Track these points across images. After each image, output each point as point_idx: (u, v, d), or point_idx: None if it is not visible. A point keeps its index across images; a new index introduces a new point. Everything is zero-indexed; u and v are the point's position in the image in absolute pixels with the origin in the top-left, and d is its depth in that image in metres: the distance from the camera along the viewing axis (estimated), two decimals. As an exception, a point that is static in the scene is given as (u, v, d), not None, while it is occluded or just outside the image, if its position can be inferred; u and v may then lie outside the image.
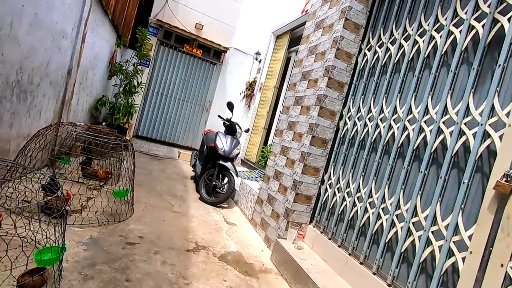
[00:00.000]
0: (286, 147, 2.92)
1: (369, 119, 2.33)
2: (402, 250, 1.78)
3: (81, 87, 3.93)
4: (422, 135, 1.86)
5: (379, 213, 2.01)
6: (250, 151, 6.47)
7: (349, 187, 2.34)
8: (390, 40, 2.32)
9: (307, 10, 5.30)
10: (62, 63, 3.10)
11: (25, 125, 2.59)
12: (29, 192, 2.06)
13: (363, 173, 2.24)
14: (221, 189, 3.82)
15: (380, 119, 2.21)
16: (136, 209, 2.87)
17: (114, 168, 3.37)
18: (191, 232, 2.72)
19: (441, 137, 1.74)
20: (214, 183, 3.75)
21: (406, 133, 1.97)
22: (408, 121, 1.99)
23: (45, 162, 3.07)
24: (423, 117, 1.88)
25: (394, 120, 2.10)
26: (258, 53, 7.04)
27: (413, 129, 1.92)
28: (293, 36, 6.21)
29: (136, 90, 5.42)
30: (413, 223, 1.77)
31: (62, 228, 1.47)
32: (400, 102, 2.10)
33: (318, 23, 2.95)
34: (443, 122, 1.75)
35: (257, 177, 4.86)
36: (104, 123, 4.66)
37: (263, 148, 5.99)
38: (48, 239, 1.58)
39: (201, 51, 6.91)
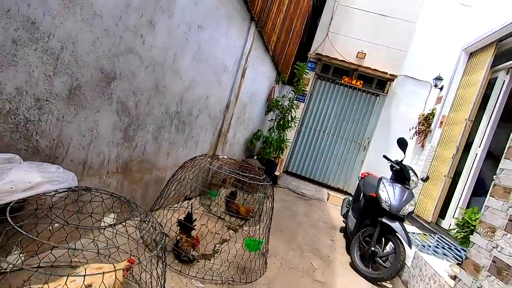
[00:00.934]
0: (524, 221, 1.59)
1: None
2: None
3: (239, 121, 4.03)
4: None
5: None
6: (424, 205, 4.82)
7: None
8: None
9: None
10: (221, 97, 3.17)
11: (181, 155, 2.66)
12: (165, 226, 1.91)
13: None
14: (384, 259, 2.71)
15: None
16: (269, 265, 2.30)
17: (257, 205, 3.05)
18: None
19: None
20: (373, 248, 2.70)
21: None
22: None
23: (197, 192, 3.11)
24: None
25: None
26: (439, 78, 5.47)
27: None
28: (500, 50, 4.39)
29: (290, 124, 5.24)
30: None
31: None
32: None
33: None
34: None
35: (437, 247, 3.32)
36: (255, 157, 4.65)
37: (447, 205, 4.30)
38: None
39: (361, 82, 6.13)
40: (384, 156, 3.18)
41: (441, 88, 5.48)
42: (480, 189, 4.50)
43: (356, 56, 6.06)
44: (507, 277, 1.58)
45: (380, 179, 3.02)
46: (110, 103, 1.63)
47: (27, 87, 1.17)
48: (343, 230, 3.88)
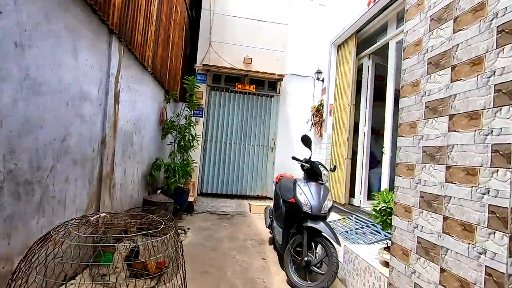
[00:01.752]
0: (434, 195, 1.58)
1: None
2: None
3: (126, 155, 3.31)
4: None
5: None
6: (335, 190, 5.09)
7: None
8: None
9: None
10: (90, 133, 2.46)
11: (37, 228, 1.86)
12: None
13: None
14: (319, 265, 2.54)
15: None
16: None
17: (170, 253, 2.46)
18: None
19: None
20: (306, 258, 2.50)
21: None
22: None
23: (80, 268, 2.30)
24: None
25: None
26: (319, 72, 5.95)
27: None
28: (360, 39, 5.01)
29: (192, 144, 4.75)
30: None
31: None
32: None
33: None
34: None
35: (357, 229, 3.44)
36: (159, 191, 3.98)
37: (354, 184, 4.62)
38: None
39: (254, 86, 6.16)
40: (293, 157, 3.07)
41: (322, 80, 5.97)
42: (373, 162, 5.05)
43: (244, 62, 6.05)
44: (436, 256, 1.53)
45: (295, 181, 2.88)
46: None
47: None
48: (272, 241, 3.65)
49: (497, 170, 1.24)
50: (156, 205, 3.44)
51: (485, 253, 1.26)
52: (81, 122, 2.32)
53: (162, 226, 1.75)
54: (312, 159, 2.99)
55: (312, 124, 6.11)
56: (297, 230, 2.72)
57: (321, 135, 5.81)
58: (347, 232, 3.46)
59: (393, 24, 4.20)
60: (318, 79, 6.03)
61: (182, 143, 4.71)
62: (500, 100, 1.25)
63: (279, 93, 6.33)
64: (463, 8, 1.50)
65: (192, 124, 4.82)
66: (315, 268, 2.50)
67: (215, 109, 6.16)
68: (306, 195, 2.68)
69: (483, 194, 1.29)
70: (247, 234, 4.11)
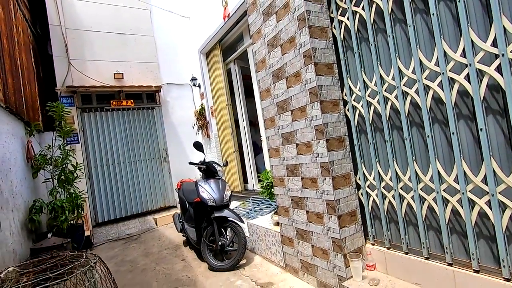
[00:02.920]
0: (293, 165, 2.31)
1: (386, 90, 1.83)
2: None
3: (-2, 206, 2.86)
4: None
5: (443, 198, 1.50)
6: (232, 181, 5.74)
7: (400, 180, 1.81)
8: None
9: (229, 14, 4.83)
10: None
11: None
12: None
13: (413, 157, 1.72)
14: (231, 245, 3.05)
15: (404, 84, 1.72)
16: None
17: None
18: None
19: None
20: (220, 243, 2.97)
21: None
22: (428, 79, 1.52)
23: None
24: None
25: (426, 78, 1.62)
26: (194, 79, 6.39)
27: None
28: (223, 47, 5.71)
29: (75, 174, 4.37)
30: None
31: None
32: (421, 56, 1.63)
33: (265, 10, 2.42)
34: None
35: (255, 208, 4.16)
36: (50, 234, 3.56)
37: (245, 172, 5.33)
38: None
39: (131, 100, 6.03)
40: (190, 163, 3.44)
41: (199, 86, 6.44)
42: (257, 149, 5.95)
43: (115, 78, 5.82)
44: (300, 205, 2.27)
45: (196, 183, 3.26)
46: None
47: None
48: (187, 243, 3.94)
49: (319, 141, 2.01)
50: (51, 249, 3.13)
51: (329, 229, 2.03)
52: None
53: (83, 259, 1.83)
54: (206, 160, 3.44)
55: (198, 127, 6.54)
56: (207, 223, 3.14)
57: (208, 136, 6.31)
58: (247, 212, 4.11)
59: (247, 35, 5.05)
60: (194, 85, 6.46)
61: (62, 176, 4.26)
62: (312, 98, 2.02)
63: (159, 103, 6.42)
64: (284, 39, 2.23)
65: (70, 153, 4.41)
66: (229, 248, 3.00)
67: (92, 132, 5.70)
68: (208, 191, 3.12)
69: (316, 157, 2.06)
70: (160, 246, 4.22)
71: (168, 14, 6.59)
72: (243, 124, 5.55)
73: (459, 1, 1.41)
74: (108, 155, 5.83)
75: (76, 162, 4.49)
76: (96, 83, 5.59)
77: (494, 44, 1.32)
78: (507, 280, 1.36)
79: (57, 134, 4.51)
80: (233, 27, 5.13)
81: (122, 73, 5.88)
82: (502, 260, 1.37)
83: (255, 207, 4.17)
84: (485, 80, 1.37)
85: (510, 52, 1.27)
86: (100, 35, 5.83)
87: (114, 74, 5.83)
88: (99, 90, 5.64)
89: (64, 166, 4.30)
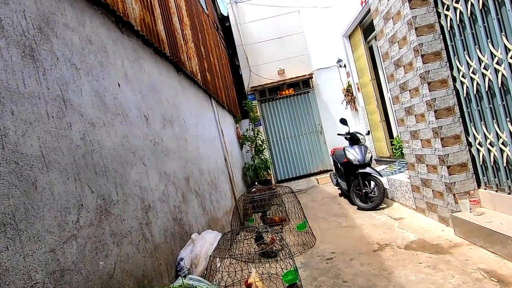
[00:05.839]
0: (414, 131, 3.07)
1: (497, 63, 2.23)
2: None
3: (233, 166, 5.22)
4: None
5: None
6: (380, 148, 6.45)
7: (500, 137, 2.30)
8: (463, -8, 2.36)
9: (366, 0, 5.44)
10: (221, 156, 4.37)
11: (223, 204, 3.77)
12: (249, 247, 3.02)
13: (507, 119, 2.20)
14: (373, 193, 4.09)
15: (497, 63, 2.18)
16: (315, 234, 3.51)
17: (283, 212, 4.23)
18: (367, 237, 3.12)
19: None
20: (364, 190, 4.08)
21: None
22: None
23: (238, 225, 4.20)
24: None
25: None
26: (339, 60, 7.33)
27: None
28: (363, 28, 6.30)
29: (263, 147, 6.57)
30: None
31: (292, 259, 2.19)
32: None
33: (385, 15, 3.20)
34: None
35: (399, 169, 4.85)
36: (256, 183, 5.86)
37: (391, 140, 5.92)
38: (282, 269, 2.33)
39: (292, 89, 7.78)
40: (338, 134, 4.66)
41: (345, 66, 7.33)
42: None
43: (278, 74, 7.72)
44: (421, 160, 3.02)
45: (344, 148, 4.46)
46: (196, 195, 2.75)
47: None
48: (341, 194, 5.25)
49: (429, 112, 2.72)
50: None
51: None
52: (217, 151, 4.21)
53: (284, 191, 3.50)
54: (350, 131, 4.53)
55: (347, 102, 7.50)
56: (354, 177, 4.30)
57: (356, 110, 7.17)
58: (392, 173, 4.89)
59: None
60: (340, 66, 7.41)
61: (256, 149, 6.56)
62: (422, 81, 2.73)
63: (312, 87, 7.85)
64: (399, 37, 2.97)
65: (258, 134, 6.65)
66: (371, 195, 4.06)
67: (268, 116, 7.93)
68: (353, 154, 4.24)
69: (428, 124, 2.77)
70: (322, 196, 5.76)
71: (313, 9, 7.74)
72: (388, 95, 6.06)
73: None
74: (279, 132, 7.91)
75: (263, 139, 6.69)
76: (267, 80, 7.68)
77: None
78: None
79: (249, 121, 6.84)
80: (370, 9, 5.67)
81: (284, 69, 7.68)
82: None
83: (399, 169, 4.89)
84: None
85: None
86: (266, 44, 7.83)
87: (278, 71, 7.72)
88: (269, 85, 7.71)
89: (256, 141, 6.57)
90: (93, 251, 1.26)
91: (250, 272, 2.13)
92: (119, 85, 1.86)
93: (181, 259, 2.07)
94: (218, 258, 2.14)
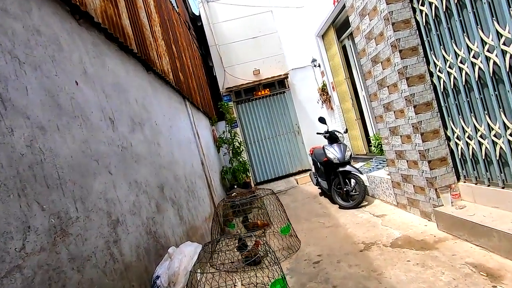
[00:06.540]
0: (393, 127, 3.06)
1: (473, 56, 2.23)
2: None
3: (211, 170, 5.00)
4: None
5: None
6: (356, 146, 6.53)
7: (478, 130, 2.32)
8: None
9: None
10: (198, 160, 4.15)
11: (201, 211, 3.56)
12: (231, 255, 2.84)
13: (485, 112, 2.22)
14: (354, 191, 4.07)
15: (488, 50, 2.11)
16: (299, 237, 3.40)
17: (264, 216, 4.10)
18: (352, 236, 3.06)
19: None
20: (345, 189, 4.04)
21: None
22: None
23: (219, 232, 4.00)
24: None
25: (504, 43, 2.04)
26: (314, 60, 7.36)
27: None
28: (336, 27, 6.35)
29: (241, 149, 6.40)
30: None
31: (278, 265, 2.04)
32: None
33: (361, 12, 3.17)
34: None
35: (377, 165, 4.90)
36: (235, 187, 5.67)
37: (368, 137, 6.00)
38: (269, 278, 2.18)
39: (268, 89, 7.69)
40: (317, 133, 4.61)
41: (319, 66, 7.37)
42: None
43: (254, 74, 7.60)
44: (402, 156, 3.02)
45: (324, 147, 4.41)
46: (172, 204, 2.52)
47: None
48: (322, 193, 5.20)
49: (409, 108, 2.71)
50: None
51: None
52: (193, 154, 3.98)
53: (264, 194, 3.36)
54: (329, 130, 4.50)
55: (322, 102, 7.54)
56: (334, 176, 4.26)
57: (331, 109, 7.23)
58: (370, 170, 4.93)
59: (356, 12, 5.53)
60: (315, 65, 7.44)
61: (233, 151, 6.38)
62: (400, 77, 2.72)
63: (288, 87, 7.81)
64: (376, 33, 2.95)
65: (235, 135, 6.47)
66: (352, 193, 4.04)
67: (245, 118, 7.77)
68: (333, 152, 4.20)
69: (408, 119, 2.77)
70: (302, 196, 5.70)
71: (285, 9, 7.72)
72: (362, 93, 6.15)
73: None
74: (256, 133, 7.78)
75: (240, 141, 6.52)
76: (242, 81, 7.53)
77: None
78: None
79: (226, 123, 6.64)
80: (343, 8, 5.72)
81: (259, 69, 7.58)
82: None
83: (377, 165, 4.94)
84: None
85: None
86: (240, 44, 7.68)
87: (253, 71, 7.60)
88: (245, 86, 7.56)
89: (233, 143, 6.38)
90: (44, 282, 1.03)
91: (235, 285, 1.96)
92: (77, 84, 1.62)
93: (157, 277, 1.85)
94: (199, 273, 1.94)
